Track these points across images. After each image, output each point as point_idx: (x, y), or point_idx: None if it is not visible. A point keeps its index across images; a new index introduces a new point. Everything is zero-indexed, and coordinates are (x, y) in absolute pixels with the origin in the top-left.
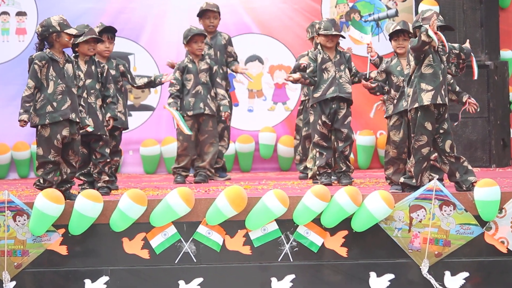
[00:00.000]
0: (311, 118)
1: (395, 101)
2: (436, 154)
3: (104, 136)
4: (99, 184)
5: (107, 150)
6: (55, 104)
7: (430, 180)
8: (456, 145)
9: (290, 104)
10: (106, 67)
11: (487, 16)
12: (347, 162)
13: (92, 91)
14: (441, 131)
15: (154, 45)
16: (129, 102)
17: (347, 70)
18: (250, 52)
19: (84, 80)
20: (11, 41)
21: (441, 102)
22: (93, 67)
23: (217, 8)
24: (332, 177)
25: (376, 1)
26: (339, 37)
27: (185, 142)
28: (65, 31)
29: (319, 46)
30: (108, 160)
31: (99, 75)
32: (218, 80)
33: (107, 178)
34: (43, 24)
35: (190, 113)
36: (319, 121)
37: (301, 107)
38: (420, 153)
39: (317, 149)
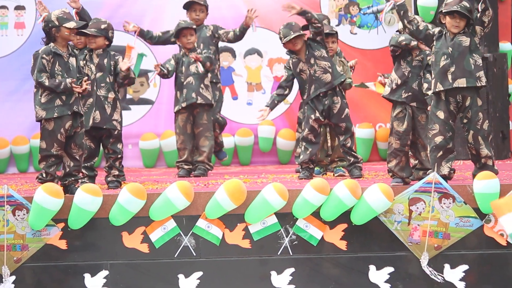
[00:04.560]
0: (305, 114)
1: (393, 85)
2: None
3: (115, 132)
4: (109, 178)
5: (119, 146)
6: (63, 97)
7: (450, 170)
8: (456, 138)
9: (289, 98)
10: (120, 59)
11: None
12: (353, 153)
13: (102, 85)
14: (465, 120)
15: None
16: (128, 96)
17: (318, 60)
18: (249, 45)
19: (95, 73)
20: (9, 35)
21: (441, 89)
22: (105, 60)
23: (203, 1)
24: (318, 169)
25: None
26: (303, 36)
27: (181, 135)
28: (63, 25)
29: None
30: (120, 156)
31: (112, 68)
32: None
33: (117, 173)
34: (45, 19)
35: (184, 104)
36: (312, 116)
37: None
38: (433, 142)
39: (304, 144)
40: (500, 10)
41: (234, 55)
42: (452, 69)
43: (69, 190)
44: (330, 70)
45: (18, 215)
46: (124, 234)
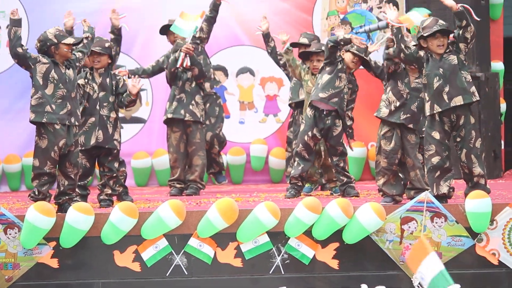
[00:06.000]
0: (301, 127)
1: (392, 107)
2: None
3: (114, 151)
4: (101, 197)
5: (116, 165)
6: (54, 106)
7: (449, 189)
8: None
9: (282, 116)
10: (122, 79)
11: (478, 27)
12: (346, 173)
13: (105, 104)
14: (458, 139)
15: (145, 58)
16: (120, 115)
17: (348, 85)
18: (242, 64)
19: (98, 92)
20: (2, 54)
21: (439, 110)
22: (107, 80)
23: None
24: (308, 186)
25: (367, 12)
26: (362, 62)
27: (175, 154)
28: (62, 42)
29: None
30: (115, 174)
31: (114, 88)
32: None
33: (109, 192)
34: (40, 39)
35: (170, 115)
36: (309, 133)
37: (291, 119)
38: (430, 163)
39: (297, 159)
40: (492, 29)
41: (226, 74)
42: (447, 89)
43: (63, 208)
44: (344, 97)
45: (10, 234)
46: (116, 253)
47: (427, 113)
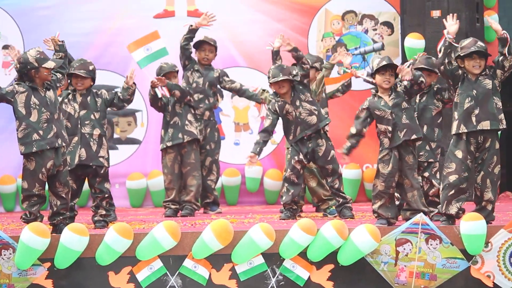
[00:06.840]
0: (288, 156)
1: (388, 134)
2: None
3: (101, 170)
4: (95, 218)
5: (106, 185)
6: (41, 132)
7: (459, 210)
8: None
9: (277, 138)
10: (104, 92)
11: None
12: (341, 194)
13: (86, 122)
14: (480, 161)
15: (140, 78)
16: (115, 136)
17: (304, 103)
18: None
19: (78, 111)
20: None
21: (465, 131)
22: (88, 98)
23: (214, 42)
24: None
25: (362, 34)
26: (291, 81)
27: (169, 175)
28: (43, 65)
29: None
30: (107, 195)
31: (97, 105)
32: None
33: (104, 212)
34: (21, 61)
35: (169, 143)
36: (296, 157)
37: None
38: (447, 180)
39: (286, 185)
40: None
41: (221, 95)
42: (477, 111)
43: (58, 229)
44: (315, 112)
45: (5, 255)
46: (111, 274)
47: (453, 131)
